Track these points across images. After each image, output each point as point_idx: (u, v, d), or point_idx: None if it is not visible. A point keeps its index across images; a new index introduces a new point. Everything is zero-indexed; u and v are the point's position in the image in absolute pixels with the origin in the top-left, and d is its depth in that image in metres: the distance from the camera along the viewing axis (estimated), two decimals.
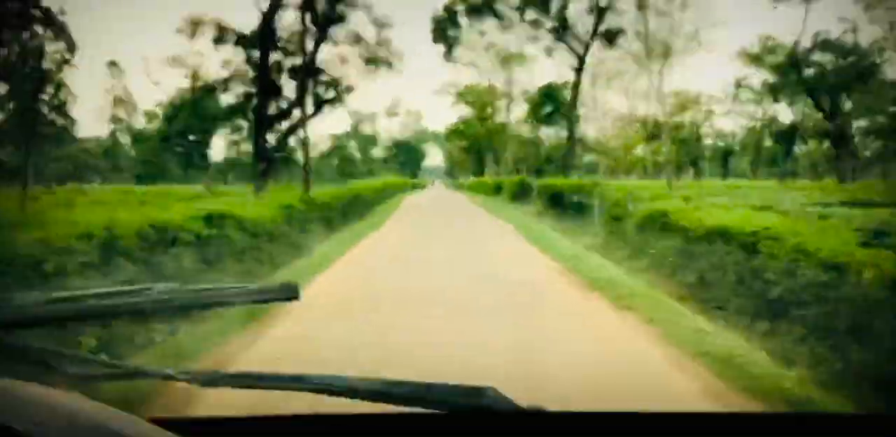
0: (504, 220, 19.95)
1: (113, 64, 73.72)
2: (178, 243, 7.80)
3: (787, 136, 44.52)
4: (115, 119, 74.92)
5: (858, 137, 39.68)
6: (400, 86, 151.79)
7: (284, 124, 24.17)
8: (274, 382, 1.10)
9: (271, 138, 23.20)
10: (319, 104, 23.60)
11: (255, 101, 23.19)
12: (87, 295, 1.12)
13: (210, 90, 25.33)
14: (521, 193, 27.44)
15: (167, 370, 1.11)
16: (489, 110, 52.20)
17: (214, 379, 1.08)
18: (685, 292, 8.88)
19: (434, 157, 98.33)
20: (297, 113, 23.39)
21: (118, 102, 75.41)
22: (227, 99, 26.79)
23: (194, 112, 39.14)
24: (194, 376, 1.09)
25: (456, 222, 20.20)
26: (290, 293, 1.16)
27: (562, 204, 19.25)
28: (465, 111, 58.12)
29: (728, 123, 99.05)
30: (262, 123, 22.17)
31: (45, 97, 54.84)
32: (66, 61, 55.73)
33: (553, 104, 32.72)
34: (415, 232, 17.11)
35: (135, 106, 76.35)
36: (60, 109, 56.92)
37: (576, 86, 31.06)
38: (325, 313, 6.80)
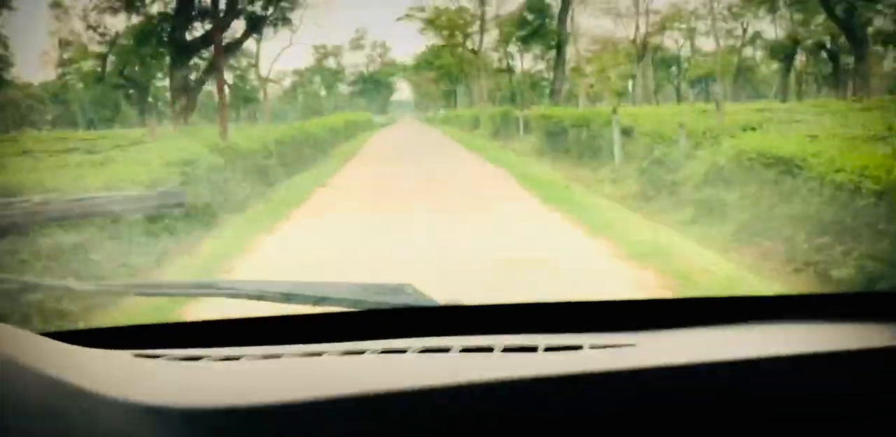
0: (499, 165, 14.22)
1: (57, 5, 66.32)
2: None
3: (787, 51, 39.58)
4: (62, 62, 68.24)
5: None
6: (364, 15, 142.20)
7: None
8: (179, 289, 1.09)
9: (197, 68, 17.93)
10: (254, 24, 18.37)
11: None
12: None
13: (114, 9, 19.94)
14: (503, 128, 22.90)
15: (65, 280, 1.24)
16: (460, 37, 46.85)
17: (116, 288, 1.14)
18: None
19: (402, 91, 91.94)
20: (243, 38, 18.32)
21: (64, 44, 68.56)
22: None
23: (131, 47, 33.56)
24: (95, 286, 1.13)
25: (434, 169, 15.03)
26: (177, 200, 1.02)
27: (562, 141, 14.86)
28: (434, 40, 52.60)
29: (708, 42, 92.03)
30: (180, 50, 16.91)
31: None
32: (4, 4, 48.77)
33: (539, 20, 27.62)
34: (379, 185, 12.52)
35: (85, 48, 69.47)
36: None
37: None
38: None
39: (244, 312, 1.03)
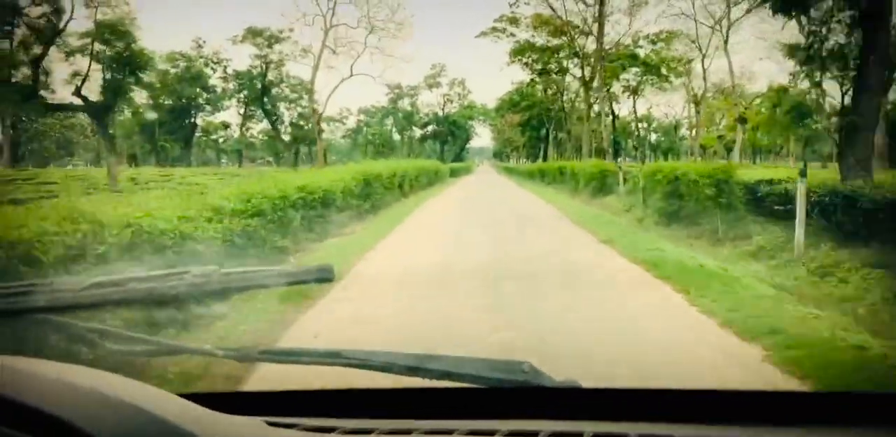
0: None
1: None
2: None
3: None
4: None
5: None
6: (440, 47, 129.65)
7: None
8: (309, 357, 1.07)
9: None
10: None
11: None
12: (126, 279, 1.05)
13: None
14: (679, 212, 10.67)
15: (205, 346, 1.11)
16: (556, 63, 35.25)
17: (250, 355, 1.07)
18: None
19: (481, 137, 79.23)
20: None
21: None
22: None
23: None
24: (231, 352, 1.07)
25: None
26: (324, 275, 1.05)
27: None
28: (522, 75, 40.97)
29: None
30: None
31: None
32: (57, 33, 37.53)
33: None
34: None
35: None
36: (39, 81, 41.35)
37: None
38: None
39: (363, 381, 1.05)
